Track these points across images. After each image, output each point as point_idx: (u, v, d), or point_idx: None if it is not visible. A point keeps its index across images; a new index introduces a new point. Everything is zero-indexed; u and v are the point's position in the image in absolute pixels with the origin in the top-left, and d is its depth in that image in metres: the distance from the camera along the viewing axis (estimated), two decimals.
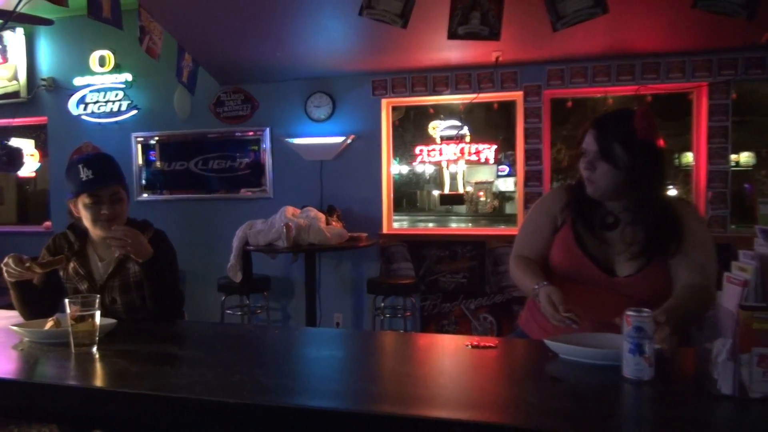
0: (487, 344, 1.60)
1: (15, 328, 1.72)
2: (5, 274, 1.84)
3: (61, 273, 2.03)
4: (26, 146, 5.74)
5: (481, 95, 4.67)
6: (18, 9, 3.30)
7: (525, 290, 1.72)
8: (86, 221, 1.98)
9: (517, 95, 4.64)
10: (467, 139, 5.14)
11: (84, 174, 1.92)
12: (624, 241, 1.66)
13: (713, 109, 4.27)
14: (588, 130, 1.67)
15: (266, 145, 5.09)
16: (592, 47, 4.18)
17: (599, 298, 1.53)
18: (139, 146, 5.39)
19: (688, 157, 5.00)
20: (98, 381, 1.40)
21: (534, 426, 1.03)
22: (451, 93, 4.72)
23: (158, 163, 5.39)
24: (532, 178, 4.59)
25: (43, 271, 1.86)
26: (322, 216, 4.44)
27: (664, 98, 4.58)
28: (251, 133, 5.15)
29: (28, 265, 1.81)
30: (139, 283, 2.00)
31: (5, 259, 1.83)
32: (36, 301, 1.95)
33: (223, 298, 4.68)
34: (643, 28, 3.93)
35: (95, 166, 1.94)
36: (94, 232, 2.01)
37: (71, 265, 2.04)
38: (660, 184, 1.67)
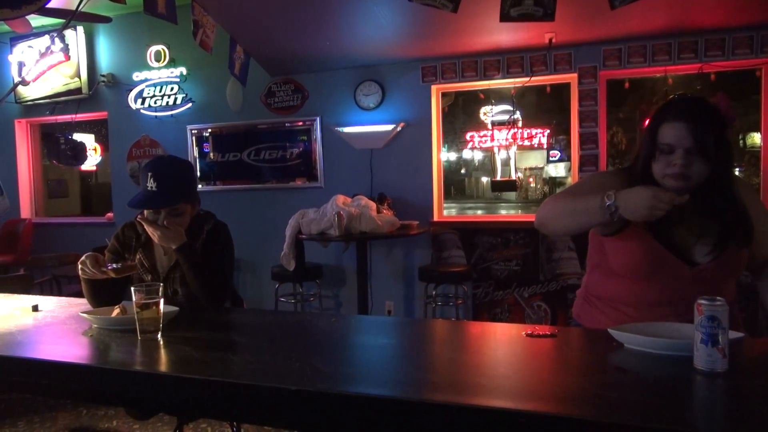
0: (546, 333, 1.56)
1: (85, 315, 1.80)
2: (80, 272, 1.91)
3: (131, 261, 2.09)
4: (88, 141, 5.98)
5: (533, 79, 4.55)
6: (79, 9, 3.41)
7: (585, 210, 1.52)
8: None
9: (571, 77, 4.50)
10: (519, 123, 5.03)
11: (150, 184, 1.95)
12: (694, 233, 1.59)
13: None
14: (665, 122, 1.54)
15: (317, 134, 5.13)
16: (651, 24, 4.00)
17: (680, 291, 1.46)
18: (194, 138, 5.52)
19: (755, 138, 4.75)
20: (164, 367, 1.44)
21: (604, 418, 0.99)
22: (503, 77, 4.62)
23: (212, 155, 5.51)
24: (587, 162, 4.46)
25: (117, 276, 1.91)
26: (373, 204, 4.45)
27: (729, 76, 4.36)
28: (301, 123, 5.20)
29: (103, 269, 1.86)
30: None
31: (82, 258, 1.89)
32: (105, 294, 2.00)
33: (277, 285, 4.76)
34: (707, 1, 3.73)
35: (161, 179, 1.96)
36: None
37: (137, 256, 2.10)
38: (731, 169, 1.64)
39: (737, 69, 4.26)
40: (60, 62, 5.77)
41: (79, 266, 1.89)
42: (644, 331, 1.41)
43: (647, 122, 1.63)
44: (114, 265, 1.90)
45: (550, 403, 1.12)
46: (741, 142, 6.20)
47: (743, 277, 1.78)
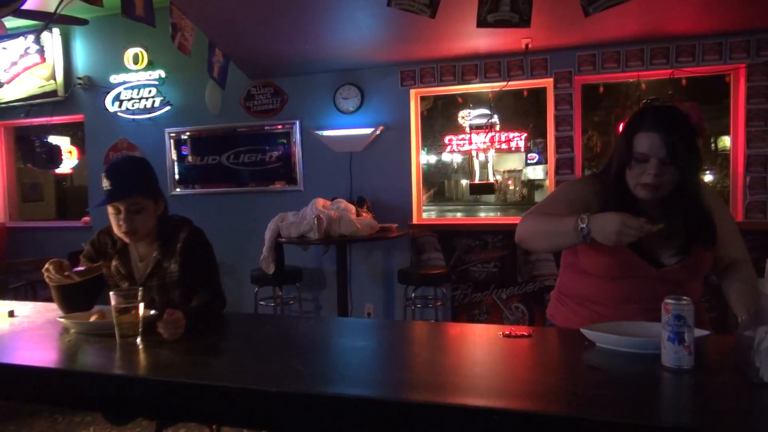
0: (521, 333, 1.60)
1: (62, 319, 1.79)
2: (46, 279, 1.88)
3: (103, 270, 2.05)
4: (63, 144, 5.90)
5: (510, 83, 4.62)
6: (57, 11, 3.38)
7: (559, 231, 1.59)
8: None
9: (547, 82, 4.58)
10: (497, 127, 5.10)
11: (105, 184, 1.95)
12: (661, 236, 1.63)
13: (751, 92, 4.14)
14: (640, 131, 1.58)
15: (296, 137, 5.13)
16: (624, 31, 4.10)
17: (647, 290, 1.52)
18: (172, 141, 5.49)
19: (725, 142, 4.87)
20: (143, 370, 1.45)
21: (574, 414, 1.03)
22: (480, 82, 4.68)
23: (191, 158, 5.48)
24: (563, 165, 4.53)
25: (81, 279, 1.88)
26: (352, 207, 4.47)
27: (699, 81, 4.46)
28: (281, 127, 5.20)
29: (67, 273, 1.84)
30: (177, 282, 2.02)
31: (46, 265, 1.85)
32: (75, 299, 1.97)
33: (256, 289, 4.75)
34: (678, 9, 3.83)
35: (115, 177, 1.96)
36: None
37: (113, 263, 2.07)
38: (700, 175, 1.71)
39: (707, 75, 4.37)
40: (35, 64, 5.69)
41: (44, 273, 1.86)
42: (615, 330, 1.45)
43: (622, 129, 1.67)
44: (78, 269, 1.88)
45: (523, 401, 1.16)
46: (712, 145, 6.34)
47: (714, 278, 1.83)
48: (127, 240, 2.01)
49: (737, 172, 4.29)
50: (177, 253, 2.03)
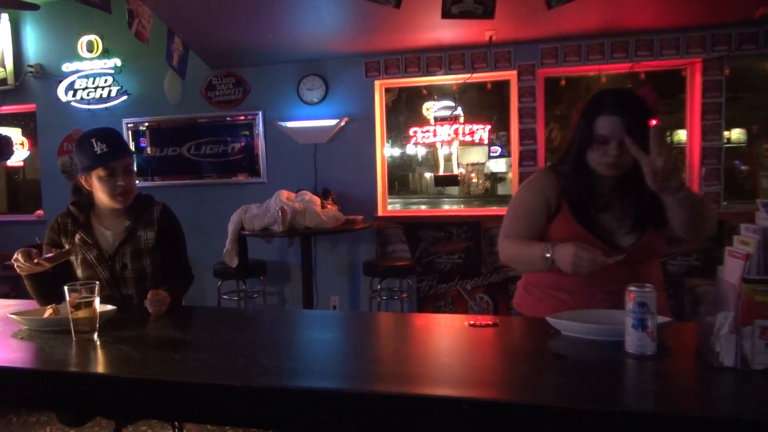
0: (488, 323, 1.61)
1: (14, 316, 1.72)
2: (17, 269, 1.87)
3: (67, 246, 2.04)
4: (14, 135, 5.67)
5: (474, 75, 4.64)
6: None
7: (531, 259, 1.69)
8: (102, 194, 2.02)
9: (511, 74, 4.61)
10: (461, 119, 5.12)
11: (98, 148, 1.96)
12: (616, 217, 1.73)
13: (707, 86, 4.26)
14: (601, 114, 1.64)
15: (259, 129, 5.05)
16: (586, 24, 4.16)
17: (607, 274, 1.56)
18: (130, 132, 5.33)
19: (681, 135, 5.01)
20: (101, 367, 1.40)
21: (540, 402, 1.04)
22: (445, 73, 4.68)
23: (149, 149, 5.34)
24: (526, 158, 4.58)
25: (52, 265, 1.87)
26: (317, 199, 4.43)
27: (657, 75, 4.57)
28: (243, 118, 5.10)
29: (36, 261, 1.82)
30: (151, 250, 2.08)
31: (15, 255, 1.84)
32: (49, 287, 1.95)
33: (219, 283, 4.67)
34: (637, 4, 3.91)
35: (108, 139, 2.00)
36: (110, 203, 2.05)
37: (77, 236, 2.06)
38: None
39: (665, 69, 4.48)
40: None
41: (14, 264, 1.85)
42: (579, 318, 1.47)
43: (582, 113, 1.72)
44: (48, 255, 1.86)
45: (492, 390, 1.16)
46: (668, 138, 6.51)
47: (671, 267, 1.88)
48: (120, 203, 2.04)
49: (693, 164, 4.41)
50: (154, 222, 2.12)
